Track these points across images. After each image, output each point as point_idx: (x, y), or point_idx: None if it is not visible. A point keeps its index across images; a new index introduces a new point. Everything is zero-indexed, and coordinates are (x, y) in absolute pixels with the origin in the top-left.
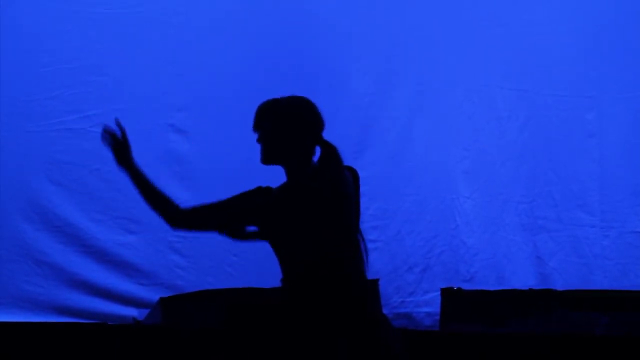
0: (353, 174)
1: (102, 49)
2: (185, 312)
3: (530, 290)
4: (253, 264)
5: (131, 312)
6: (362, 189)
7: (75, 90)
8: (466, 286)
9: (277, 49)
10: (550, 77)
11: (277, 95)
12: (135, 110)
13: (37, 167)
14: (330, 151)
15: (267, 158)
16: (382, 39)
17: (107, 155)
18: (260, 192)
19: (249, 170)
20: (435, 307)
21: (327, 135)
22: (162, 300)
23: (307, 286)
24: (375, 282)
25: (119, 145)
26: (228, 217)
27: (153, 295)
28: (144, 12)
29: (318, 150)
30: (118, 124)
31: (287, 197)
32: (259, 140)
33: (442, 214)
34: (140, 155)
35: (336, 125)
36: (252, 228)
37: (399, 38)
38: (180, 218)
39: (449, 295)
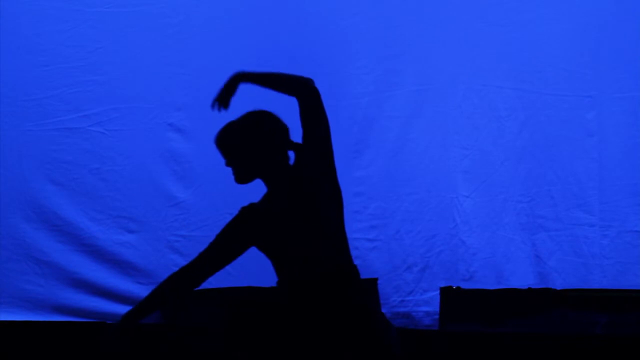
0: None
1: (102, 49)
2: (185, 311)
3: (530, 289)
4: (253, 264)
5: None
6: (360, 188)
7: (74, 90)
8: (465, 285)
9: (276, 49)
10: (550, 76)
11: (275, 94)
12: (134, 109)
13: (36, 167)
14: (302, 152)
15: (241, 178)
16: (382, 38)
17: (107, 154)
18: (246, 213)
19: None
20: (434, 307)
21: None
22: None
23: (302, 288)
24: (374, 282)
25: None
26: (229, 252)
27: None
28: (144, 12)
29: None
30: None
31: (271, 207)
32: (227, 165)
33: (441, 213)
34: (139, 154)
35: (336, 125)
36: None
37: (398, 38)
38: (189, 281)
39: (448, 295)
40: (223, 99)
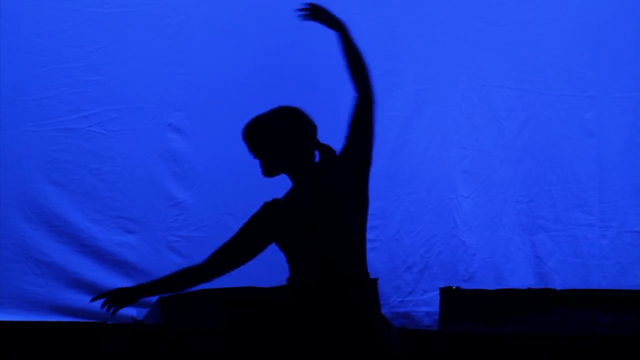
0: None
1: (102, 49)
2: (185, 311)
3: (529, 289)
4: (252, 264)
5: (130, 311)
6: None
7: (74, 90)
8: (465, 286)
9: (276, 48)
10: (550, 76)
11: (275, 94)
12: (134, 109)
13: (36, 167)
14: (328, 153)
15: (268, 172)
16: (381, 38)
17: (107, 154)
18: (268, 209)
19: (247, 169)
20: (434, 307)
21: (326, 135)
22: (161, 299)
23: (311, 288)
24: (374, 282)
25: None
26: (250, 248)
27: None
28: (144, 12)
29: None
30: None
31: (294, 204)
32: (255, 158)
33: (441, 214)
34: (139, 154)
35: (336, 125)
36: None
37: (398, 38)
38: (209, 271)
39: (448, 295)
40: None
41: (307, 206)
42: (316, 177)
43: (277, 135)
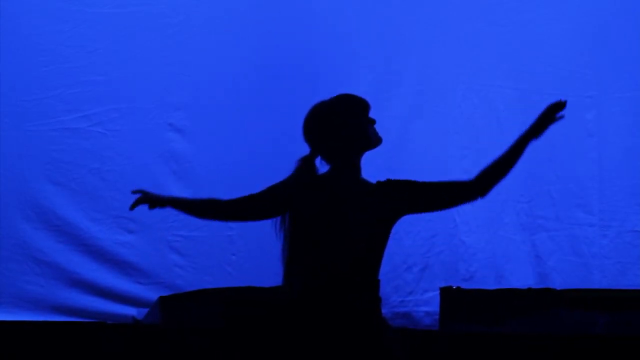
0: None
1: (101, 49)
2: (185, 311)
3: (530, 289)
4: (252, 264)
5: (130, 311)
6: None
7: (74, 90)
8: (465, 285)
9: (276, 49)
10: (550, 77)
11: (275, 93)
12: (133, 109)
13: (36, 167)
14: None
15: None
16: (382, 39)
17: (106, 154)
18: (297, 177)
19: (247, 168)
20: (434, 307)
21: None
22: (161, 299)
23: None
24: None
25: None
26: (268, 206)
27: (152, 294)
28: (143, 12)
29: None
30: None
31: (322, 185)
32: (314, 151)
33: (440, 214)
34: (139, 154)
35: None
36: None
37: (398, 38)
38: (227, 212)
39: (448, 295)
40: None
41: (331, 197)
42: (356, 175)
43: (342, 119)
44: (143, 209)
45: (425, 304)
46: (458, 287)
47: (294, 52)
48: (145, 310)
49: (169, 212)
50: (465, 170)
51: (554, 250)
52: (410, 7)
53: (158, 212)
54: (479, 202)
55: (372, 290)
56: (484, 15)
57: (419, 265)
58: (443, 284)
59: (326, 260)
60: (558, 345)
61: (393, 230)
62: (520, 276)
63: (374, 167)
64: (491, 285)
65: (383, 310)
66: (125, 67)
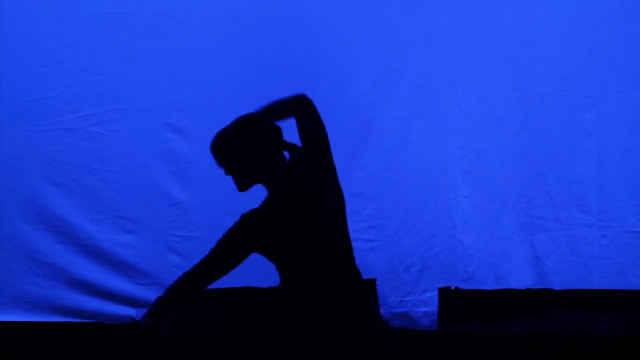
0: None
1: (101, 49)
2: (184, 311)
3: (529, 290)
4: (252, 264)
5: (129, 312)
6: (359, 188)
7: (74, 90)
8: (464, 286)
9: (276, 49)
10: (550, 77)
11: (275, 94)
12: (133, 109)
13: (35, 167)
14: (297, 151)
15: (243, 185)
16: (381, 39)
17: (106, 155)
18: (247, 220)
19: None
20: (433, 307)
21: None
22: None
23: (302, 291)
24: (372, 282)
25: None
26: (230, 260)
27: (152, 295)
28: (143, 12)
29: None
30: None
31: (271, 211)
32: (227, 173)
33: (440, 214)
34: (138, 154)
35: (335, 126)
36: None
37: (397, 38)
38: (190, 288)
39: (447, 295)
40: None
41: (284, 209)
42: (289, 180)
43: (242, 145)
44: (143, 209)
45: (424, 305)
46: (457, 288)
47: (294, 52)
48: (144, 311)
49: (169, 212)
50: (463, 170)
51: (553, 251)
52: (410, 7)
53: (158, 212)
54: (479, 203)
55: (370, 285)
56: (484, 15)
57: (418, 265)
58: (442, 285)
59: (318, 263)
60: (557, 346)
61: (392, 231)
62: (520, 277)
63: (374, 167)
64: (490, 286)
65: (382, 311)
66: (125, 68)
